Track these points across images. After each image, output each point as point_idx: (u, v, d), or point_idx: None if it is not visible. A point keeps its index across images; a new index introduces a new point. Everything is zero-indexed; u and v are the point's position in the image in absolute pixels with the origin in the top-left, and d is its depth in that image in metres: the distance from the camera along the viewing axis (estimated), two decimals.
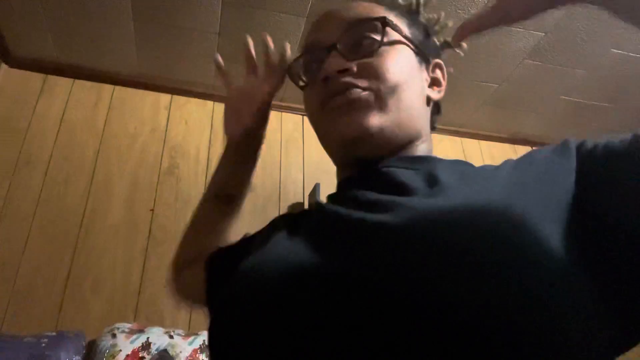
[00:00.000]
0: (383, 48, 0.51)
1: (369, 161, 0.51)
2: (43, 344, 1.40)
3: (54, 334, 1.48)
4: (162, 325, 1.64)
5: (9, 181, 1.82)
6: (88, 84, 2.10)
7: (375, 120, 0.49)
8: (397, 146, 0.51)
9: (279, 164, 2.18)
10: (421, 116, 0.54)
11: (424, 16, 0.61)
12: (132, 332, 1.52)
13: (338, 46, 0.51)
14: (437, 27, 0.62)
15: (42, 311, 1.63)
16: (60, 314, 1.64)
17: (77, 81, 2.10)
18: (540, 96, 2.29)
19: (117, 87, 2.13)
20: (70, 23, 1.85)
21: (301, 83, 0.57)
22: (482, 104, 2.32)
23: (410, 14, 0.59)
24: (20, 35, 1.91)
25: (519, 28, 1.87)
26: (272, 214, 2.06)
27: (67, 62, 2.06)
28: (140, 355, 1.44)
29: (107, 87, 2.12)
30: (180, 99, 2.20)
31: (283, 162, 2.19)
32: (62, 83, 2.07)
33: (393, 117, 0.50)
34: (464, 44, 0.60)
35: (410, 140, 0.53)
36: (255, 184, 2.10)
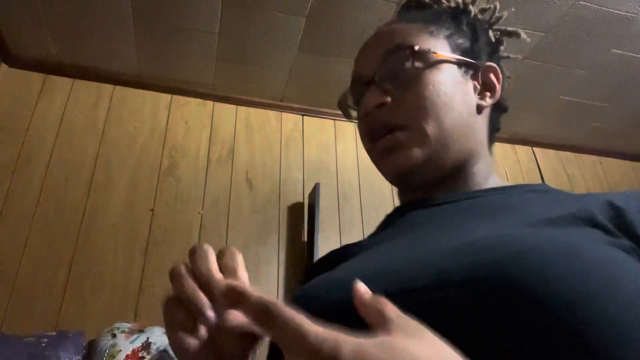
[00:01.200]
0: (418, 75, 0.51)
1: (426, 185, 0.52)
2: (43, 344, 1.40)
3: (54, 334, 1.48)
4: (162, 325, 1.64)
5: (9, 181, 1.82)
6: (88, 84, 2.10)
7: (418, 154, 0.50)
8: (452, 165, 0.52)
9: (279, 164, 2.18)
10: (471, 130, 0.53)
11: (474, 13, 0.59)
12: (132, 332, 1.52)
13: (375, 79, 0.52)
14: (492, 20, 0.61)
15: (42, 311, 1.63)
16: (60, 314, 1.64)
17: (77, 81, 2.10)
18: (540, 96, 2.29)
19: (117, 87, 2.13)
20: (70, 23, 1.85)
21: (354, 114, 0.58)
22: None
23: (457, 16, 0.57)
24: (20, 35, 1.91)
25: (519, 28, 1.87)
26: (272, 214, 2.06)
27: (67, 62, 2.06)
28: (140, 355, 1.44)
29: (107, 87, 2.12)
30: (180, 99, 2.20)
31: (283, 162, 2.19)
32: (62, 83, 2.07)
33: (436, 143, 0.50)
34: (523, 34, 0.61)
35: (465, 158, 0.53)
36: (255, 184, 2.11)
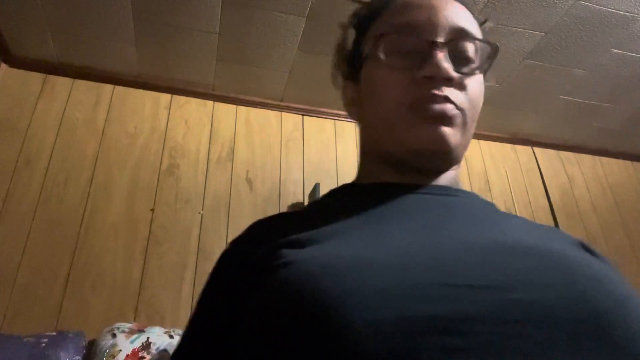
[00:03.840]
0: (481, 74, 0.52)
1: (429, 171, 0.51)
2: (43, 344, 1.40)
3: (54, 334, 1.48)
4: (162, 325, 1.64)
5: (9, 181, 1.82)
6: (88, 84, 2.10)
7: (458, 139, 0.48)
8: (454, 163, 0.52)
9: (279, 164, 2.18)
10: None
11: None
12: (132, 332, 1.52)
13: (446, 48, 0.48)
14: None
15: (42, 311, 1.63)
16: (60, 314, 1.64)
17: (77, 81, 2.10)
18: (540, 96, 2.29)
19: (117, 87, 2.13)
20: (70, 23, 1.85)
21: (382, 56, 0.50)
22: (482, 104, 2.32)
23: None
24: (20, 35, 1.91)
25: (519, 28, 1.87)
26: (273, 214, 2.06)
27: (67, 62, 2.07)
28: (140, 355, 1.44)
29: (107, 87, 2.12)
30: (180, 99, 2.20)
31: (283, 162, 2.19)
32: (62, 83, 2.07)
33: (466, 139, 0.51)
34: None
35: (459, 161, 0.53)
36: (255, 184, 2.11)
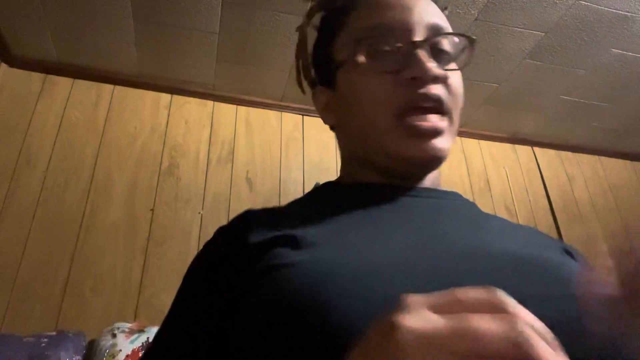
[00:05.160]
0: (461, 69, 0.51)
1: (406, 176, 0.50)
2: (43, 344, 1.40)
3: (54, 333, 1.48)
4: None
5: (9, 181, 1.82)
6: (88, 84, 2.10)
7: (449, 144, 0.48)
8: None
9: (279, 164, 2.18)
10: None
11: None
12: (132, 331, 1.52)
13: (429, 45, 0.48)
14: None
15: (42, 311, 1.63)
16: (60, 314, 1.64)
17: (77, 81, 2.10)
18: (540, 96, 2.29)
19: (117, 87, 2.13)
20: (70, 23, 1.85)
21: (361, 59, 0.49)
22: (482, 103, 2.32)
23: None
24: (20, 35, 1.91)
25: (519, 28, 1.87)
26: None
27: (67, 62, 2.06)
28: (140, 355, 1.44)
29: (107, 87, 2.12)
30: (180, 99, 2.20)
31: (283, 162, 2.19)
32: (62, 83, 2.07)
33: (453, 140, 0.50)
34: None
35: None
36: (255, 184, 2.10)
